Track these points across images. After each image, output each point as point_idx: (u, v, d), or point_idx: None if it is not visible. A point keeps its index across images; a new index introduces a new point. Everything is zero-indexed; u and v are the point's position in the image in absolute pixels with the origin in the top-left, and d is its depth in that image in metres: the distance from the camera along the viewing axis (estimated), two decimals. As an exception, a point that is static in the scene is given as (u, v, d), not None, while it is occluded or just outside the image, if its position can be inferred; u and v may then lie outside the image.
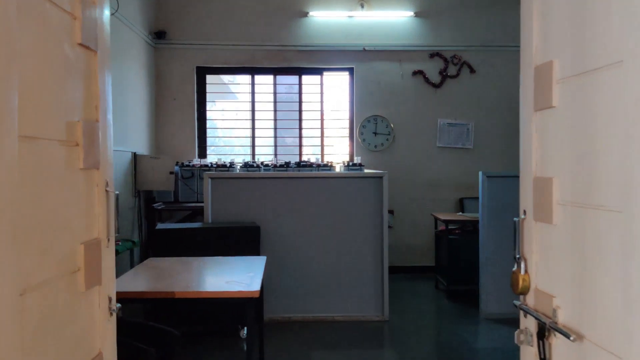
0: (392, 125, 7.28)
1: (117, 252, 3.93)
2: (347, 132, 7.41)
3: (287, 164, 5.47)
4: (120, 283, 2.68)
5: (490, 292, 5.28)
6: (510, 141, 7.35)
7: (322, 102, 7.37)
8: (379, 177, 5.23)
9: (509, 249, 5.18)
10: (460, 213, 6.58)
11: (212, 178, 5.13)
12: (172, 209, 6.46)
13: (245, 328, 4.78)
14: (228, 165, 5.54)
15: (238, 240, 4.67)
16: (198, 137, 7.26)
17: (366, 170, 5.60)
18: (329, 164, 5.52)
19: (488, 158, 7.31)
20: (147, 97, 6.75)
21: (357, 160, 5.69)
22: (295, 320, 5.13)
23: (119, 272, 3.30)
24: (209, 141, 7.32)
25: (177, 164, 6.56)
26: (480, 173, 5.31)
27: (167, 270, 3.07)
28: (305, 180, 5.22)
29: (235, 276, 2.90)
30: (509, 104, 7.35)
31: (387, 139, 7.29)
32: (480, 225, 5.30)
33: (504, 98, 7.35)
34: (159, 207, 6.16)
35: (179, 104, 7.16)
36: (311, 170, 5.54)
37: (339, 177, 5.27)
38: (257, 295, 2.47)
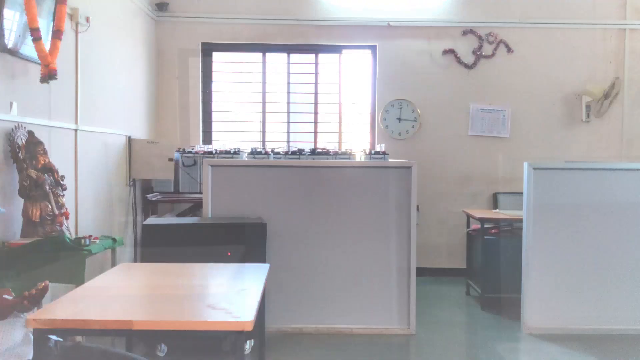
0: (418, 110, 6.51)
1: (90, 252, 3.25)
2: (367, 117, 6.66)
3: (300, 151, 4.76)
4: (65, 304, 1.97)
5: (535, 303, 4.52)
6: (551, 129, 6.56)
7: (340, 83, 6.62)
8: (407, 168, 4.48)
9: (558, 252, 4.41)
10: (496, 210, 5.80)
11: (212, 166, 4.43)
12: (171, 200, 5.77)
13: (249, 342, 4.09)
14: (233, 152, 4.83)
15: (241, 238, 3.97)
16: (203, 121, 6.56)
17: (391, 160, 4.85)
18: (348, 151, 4.80)
19: (526, 148, 6.51)
20: (145, 75, 6.05)
21: (380, 147, 4.94)
22: (307, 333, 4.42)
23: (90, 278, 2.61)
24: (214, 126, 6.61)
25: (178, 150, 5.86)
26: (525, 164, 4.54)
27: (134, 285, 2.35)
28: (321, 170, 4.49)
29: (223, 296, 2.17)
30: (550, 88, 6.55)
31: (413, 126, 6.52)
32: (525, 225, 4.53)
33: (544, 81, 6.55)
34: (155, 199, 5.47)
35: (182, 84, 6.45)
36: (327, 159, 4.80)
37: (359, 167, 4.53)
38: (249, 327, 1.75)
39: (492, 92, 6.56)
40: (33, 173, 3.36)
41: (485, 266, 5.15)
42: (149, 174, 5.60)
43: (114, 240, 3.63)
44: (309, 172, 4.48)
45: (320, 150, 4.82)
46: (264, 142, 6.45)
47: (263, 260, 3.99)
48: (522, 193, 6.47)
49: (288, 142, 6.18)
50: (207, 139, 6.51)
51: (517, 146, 6.54)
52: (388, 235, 4.48)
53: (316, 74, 6.61)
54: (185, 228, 3.90)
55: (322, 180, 4.47)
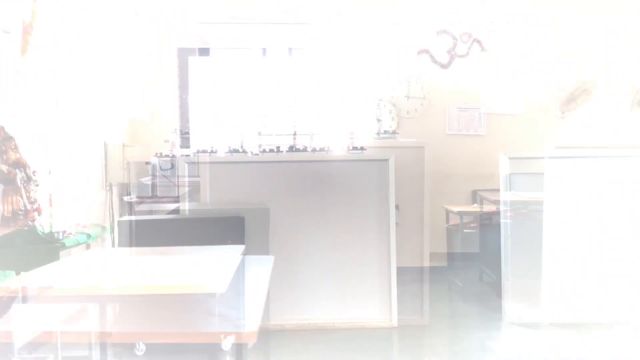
0: (395, 110, 6.55)
1: (63, 245, 3.20)
2: (347, 117, 6.67)
3: (278, 148, 4.76)
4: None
5: (515, 293, 4.53)
6: (526, 125, 6.63)
7: (313, 82, 6.64)
8: (384, 161, 4.49)
9: (538, 241, 4.43)
10: (476, 205, 5.83)
11: (188, 163, 4.40)
12: (149, 203, 5.70)
13: (229, 337, 4.03)
14: (209, 151, 4.82)
15: (220, 232, 3.92)
16: (180, 125, 6.52)
17: (367, 153, 4.87)
18: (326, 147, 4.81)
19: (502, 144, 6.56)
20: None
21: (358, 143, 4.96)
22: (289, 329, 4.37)
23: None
24: (192, 128, 6.57)
25: (156, 155, 5.81)
26: (501, 155, 4.58)
27: (109, 279, 2.28)
28: (299, 165, 4.48)
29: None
30: (524, 85, 6.64)
31: (391, 126, 6.55)
32: (502, 215, 4.56)
33: (518, 78, 6.64)
34: (131, 200, 5.41)
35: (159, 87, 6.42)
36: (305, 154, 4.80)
37: (337, 161, 4.53)
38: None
39: (467, 92, 6.62)
40: (4, 168, 3.31)
41: (467, 260, 5.17)
42: (125, 178, 5.54)
43: (89, 235, 3.57)
44: (288, 167, 4.47)
45: (299, 147, 4.83)
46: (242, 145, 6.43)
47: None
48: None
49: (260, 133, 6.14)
50: (185, 143, 6.47)
51: (493, 142, 6.59)
52: (368, 228, 4.47)
53: (291, 72, 6.62)
54: (162, 223, 3.86)
55: (302, 175, 4.46)
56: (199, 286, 1.67)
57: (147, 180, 5.60)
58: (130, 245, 3.76)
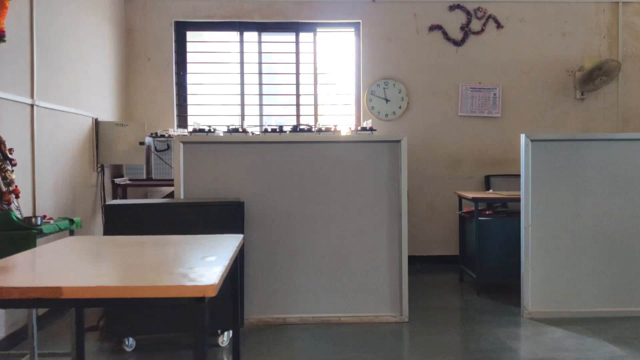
0: (405, 90, 6.18)
1: (41, 232, 2.86)
2: (352, 98, 6.31)
3: (281, 128, 4.40)
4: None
5: (535, 285, 4.20)
6: (543, 108, 6.27)
7: (315, 63, 6.25)
8: (396, 142, 4.14)
9: (559, 230, 4.09)
10: (490, 191, 5.48)
11: (184, 143, 4.05)
12: (143, 186, 5.38)
13: (226, 334, 3.72)
14: (207, 130, 4.46)
15: (215, 220, 3.59)
16: (177, 104, 6.16)
17: (378, 134, 4.49)
18: (332, 128, 4.45)
19: (518, 128, 6.22)
20: (114, 54, 5.65)
21: (366, 124, 4.60)
22: (291, 323, 4.05)
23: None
24: (190, 109, 6.22)
25: (151, 135, 5.47)
26: (522, 137, 4.22)
27: (75, 255, 1.97)
28: (303, 147, 4.13)
29: (182, 262, 1.80)
30: (542, 66, 6.26)
31: (400, 107, 6.19)
32: (523, 202, 4.21)
33: (535, 58, 6.25)
34: (123, 183, 5.06)
35: (155, 65, 6.06)
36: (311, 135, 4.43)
37: (345, 142, 4.18)
38: (211, 292, 1.38)
39: (482, 70, 6.25)
40: (-25, 145, 2.96)
41: (479, 249, 4.83)
42: (118, 159, 5.20)
43: (71, 221, 3.23)
44: (290, 148, 4.12)
45: (303, 127, 4.46)
46: (242, 126, 6.06)
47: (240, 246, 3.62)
48: (516, 175, 6.22)
49: (260, 115, 5.78)
50: (182, 123, 6.13)
51: (509, 126, 6.24)
52: (377, 216, 4.14)
53: (297, 53, 6.25)
54: (152, 209, 3.52)
55: (305, 158, 4.12)
56: (185, 289, 1.33)
57: (141, 161, 5.26)
58: (118, 231, 3.44)
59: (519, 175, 6.19)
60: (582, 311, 4.21)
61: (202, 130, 4.38)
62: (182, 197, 3.99)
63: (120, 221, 3.47)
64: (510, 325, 4.05)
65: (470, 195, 4.96)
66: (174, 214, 3.53)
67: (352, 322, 4.06)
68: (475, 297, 4.80)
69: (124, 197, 5.15)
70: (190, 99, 6.21)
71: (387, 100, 6.18)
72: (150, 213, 3.51)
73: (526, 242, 4.20)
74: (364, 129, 4.47)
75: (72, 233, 3.28)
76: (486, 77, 6.24)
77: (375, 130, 4.46)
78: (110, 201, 3.65)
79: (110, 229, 3.47)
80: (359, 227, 4.12)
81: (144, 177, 5.46)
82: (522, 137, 4.21)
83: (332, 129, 4.33)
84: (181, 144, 4.02)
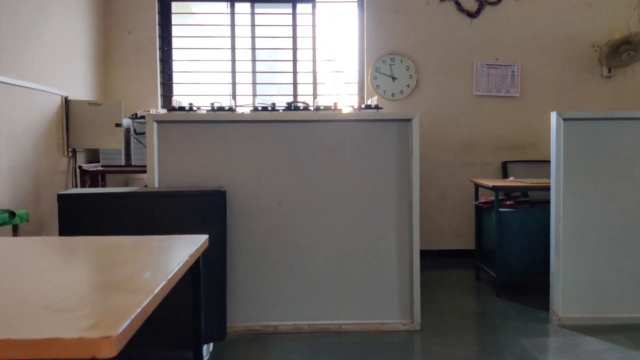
0: (414, 67, 5.57)
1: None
2: (355, 77, 5.71)
3: (273, 105, 3.81)
4: None
5: (567, 287, 3.63)
6: (566, 87, 5.66)
7: (314, 37, 5.65)
8: (406, 121, 3.55)
9: (595, 224, 3.46)
10: (511, 178, 4.89)
11: (158, 122, 3.47)
12: (121, 172, 4.80)
13: (206, 347, 3.15)
14: (189, 108, 3.87)
15: (191, 213, 3.02)
16: (161, 83, 5.57)
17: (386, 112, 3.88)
18: (333, 106, 3.86)
19: (539, 108, 5.62)
20: (90, 26, 5.05)
21: (372, 101, 4.01)
22: (283, 331, 3.49)
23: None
24: (175, 89, 5.64)
25: (132, 116, 4.90)
26: (553, 115, 3.62)
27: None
28: (299, 127, 3.54)
29: (84, 288, 1.19)
30: (565, 40, 5.64)
31: (408, 86, 5.59)
32: (554, 191, 3.62)
33: (558, 31, 5.64)
34: (94, 169, 4.48)
35: (136, 40, 5.46)
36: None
37: (347, 121, 3.59)
38: (107, 353, 0.80)
39: (499, 45, 5.63)
40: None
41: (500, 245, 4.25)
42: (92, 143, 4.62)
43: (12, 214, 2.66)
44: (283, 129, 3.54)
45: (300, 105, 3.87)
46: (236, 106, 5.46)
47: (222, 241, 3.05)
48: (536, 161, 5.63)
49: (254, 95, 5.19)
50: (167, 104, 5.54)
51: (529, 106, 5.64)
52: (384, 207, 3.56)
53: (294, 26, 5.64)
54: (114, 199, 2.94)
55: (301, 140, 3.53)
56: (54, 347, 0.75)
57: (119, 146, 4.68)
58: (74, 227, 2.87)
59: (539, 162, 5.62)
60: (621, 317, 3.64)
61: (182, 109, 3.79)
62: (156, 185, 3.42)
63: (77, 215, 2.90)
64: (539, 334, 3.48)
65: (489, 183, 4.38)
66: (140, 206, 2.96)
67: (354, 331, 3.49)
68: (495, 299, 4.22)
69: (94, 185, 4.58)
70: (176, 77, 5.62)
71: (393, 78, 5.57)
72: (111, 205, 2.94)
73: (557, 237, 3.61)
74: (368, 106, 3.88)
75: (15, 229, 2.71)
76: (503, 53, 5.63)
77: (381, 108, 3.88)
78: (67, 190, 3.07)
79: (65, 224, 2.89)
80: (363, 219, 3.55)
81: (123, 163, 4.89)
82: (553, 115, 3.61)
83: (333, 107, 3.75)
84: (155, 124, 3.44)
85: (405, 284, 3.56)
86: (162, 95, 5.56)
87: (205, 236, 1.69)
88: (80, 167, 4.33)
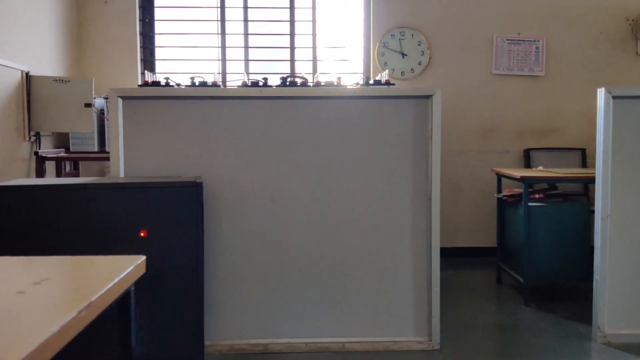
0: (426, 42, 4.95)
1: None
2: (360, 53, 5.10)
3: (265, 80, 3.21)
4: None
5: (617, 299, 3.04)
6: (597, 65, 5.04)
7: (314, 8, 5.02)
8: (425, 98, 2.95)
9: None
10: (540, 168, 4.29)
11: (124, 98, 2.86)
12: (93, 159, 4.20)
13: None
14: (165, 84, 3.27)
15: (156, 210, 2.42)
16: (142, 59, 4.96)
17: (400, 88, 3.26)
18: (336, 81, 3.27)
19: (566, 89, 5.01)
20: (57, -7, 4.43)
21: (382, 76, 3.40)
22: (275, 351, 2.90)
23: None
24: (158, 66, 5.03)
25: (106, 97, 4.30)
26: (601, 92, 3.01)
27: None
28: (295, 105, 2.93)
29: None
30: (596, 12, 5.02)
31: (420, 63, 4.97)
32: (600, 183, 3.02)
33: (588, 3, 5.01)
34: (55, 155, 3.86)
35: (114, 10, 4.84)
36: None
37: (352, 98, 2.98)
38: None
39: (521, 18, 5.01)
40: None
41: (529, 244, 3.67)
42: (58, 126, 4.02)
43: None
44: (277, 107, 2.93)
45: (297, 80, 3.26)
46: (225, 82, 4.86)
47: (197, 243, 2.45)
48: (562, 149, 5.02)
49: (246, 73, 4.60)
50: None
51: (555, 87, 5.03)
52: (397, 201, 2.96)
53: (292, -5, 5.01)
54: (60, 193, 2.34)
55: (298, 121, 2.92)
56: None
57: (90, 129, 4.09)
58: (11, 227, 2.28)
59: (567, 149, 5.01)
60: (678, 334, 3.05)
61: (156, 84, 3.20)
62: (121, 174, 2.82)
63: (16, 212, 2.31)
64: (582, 356, 2.90)
65: (517, 173, 3.78)
66: (95, 201, 2.36)
67: (360, 351, 2.91)
68: (522, 308, 3.64)
69: (60, 174, 3.97)
70: (158, 53, 5.01)
71: (403, 55, 4.96)
72: (58, 200, 2.34)
73: (603, 238, 3.02)
74: (377, 82, 3.28)
75: None
76: (527, 27, 5.00)
77: (393, 84, 3.28)
78: (7, 182, 2.47)
79: (3, 223, 2.30)
80: (371, 216, 2.95)
81: (96, 149, 4.30)
82: (601, 92, 3.00)
83: (336, 83, 3.16)
84: (119, 100, 2.83)
85: (422, 294, 2.97)
86: (143, 73, 4.95)
87: (141, 258, 1.10)
88: (36, 153, 3.72)
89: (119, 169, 2.80)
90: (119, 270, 1.01)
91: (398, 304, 2.97)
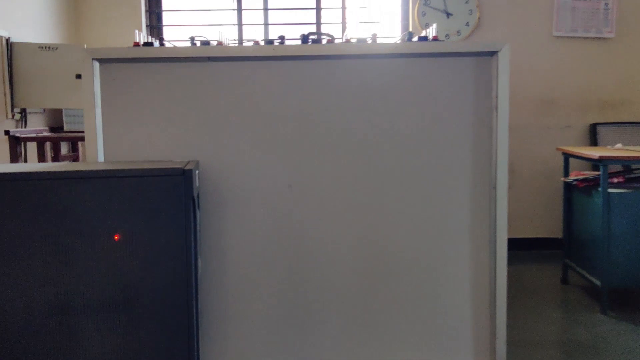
0: (475, -1, 4.25)
1: None
2: (398, 12, 4.42)
3: (282, 38, 2.59)
4: None
5: None
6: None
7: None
8: (488, 55, 2.28)
9: None
10: (618, 146, 3.57)
11: (102, 62, 2.26)
12: (77, 139, 3.63)
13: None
14: (160, 44, 2.68)
15: (139, 204, 1.82)
16: (148, 25, 4.37)
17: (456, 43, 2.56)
18: (370, 38, 2.63)
19: (638, 53, 4.26)
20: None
21: (429, 32, 2.73)
22: (297, 380, 2.31)
23: None
24: (166, 32, 4.44)
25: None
26: None
27: None
28: (318, 67, 2.30)
29: None
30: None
31: (467, 24, 4.27)
32: None
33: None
34: (35, 135, 3.29)
35: (114, -31, 4.25)
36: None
37: (394, 57, 2.32)
38: None
39: (588, -32, 4.25)
40: None
41: (608, 239, 2.98)
42: (46, 101, 3.46)
43: None
44: (295, 71, 2.29)
45: (323, 37, 2.63)
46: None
47: (186, 247, 1.85)
48: (635, 123, 4.29)
49: (266, 40, 3.95)
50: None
51: (626, 51, 4.27)
52: (449, 192, 2.31)
53: (317, -51, 4.34)
54: (32, 182, 1.76)
55: (322, 89, 2.29)
56: None
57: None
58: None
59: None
60: None
61: (148, 45, 2.59)
62: (100, 158, 2.24)
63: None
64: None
65: (594, 153, 3.08)
66: (57, 194, 1.77)
67: (405, 380, 2.29)
68: (600, 318, 2.97)
69: (42, 158, 3.40)
70: (166, 18, 4.41)
71: (448, 14, 4.26)
72: (9, 192, 1.76)
73: None
74: (423, 38, 2.62)
75: None
76: (595, -21, 4.25)
77: (443, 41, 2.62)
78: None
79: None
80: (417, 211, 2.31)
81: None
82: None
83: (369, 39, 2.53)
84: (96, 64, 2.23)
85: (483, 309, 2.33)
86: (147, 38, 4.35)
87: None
88: (6, 132, 3.15)
89: (97, 152, 2.21)
90: None
91: (452, 321, 2.34)
